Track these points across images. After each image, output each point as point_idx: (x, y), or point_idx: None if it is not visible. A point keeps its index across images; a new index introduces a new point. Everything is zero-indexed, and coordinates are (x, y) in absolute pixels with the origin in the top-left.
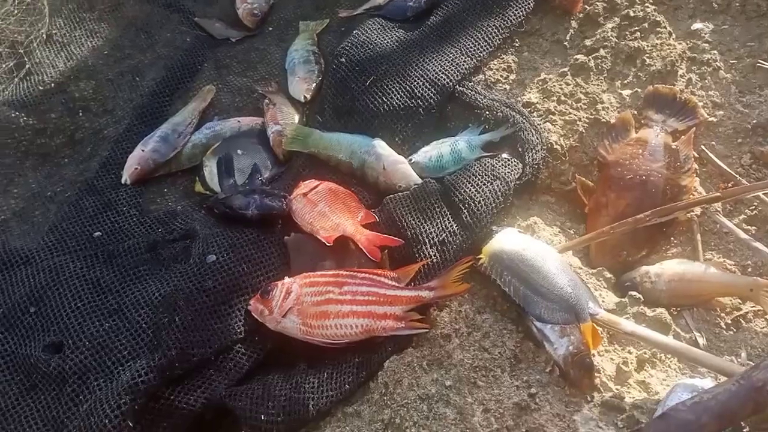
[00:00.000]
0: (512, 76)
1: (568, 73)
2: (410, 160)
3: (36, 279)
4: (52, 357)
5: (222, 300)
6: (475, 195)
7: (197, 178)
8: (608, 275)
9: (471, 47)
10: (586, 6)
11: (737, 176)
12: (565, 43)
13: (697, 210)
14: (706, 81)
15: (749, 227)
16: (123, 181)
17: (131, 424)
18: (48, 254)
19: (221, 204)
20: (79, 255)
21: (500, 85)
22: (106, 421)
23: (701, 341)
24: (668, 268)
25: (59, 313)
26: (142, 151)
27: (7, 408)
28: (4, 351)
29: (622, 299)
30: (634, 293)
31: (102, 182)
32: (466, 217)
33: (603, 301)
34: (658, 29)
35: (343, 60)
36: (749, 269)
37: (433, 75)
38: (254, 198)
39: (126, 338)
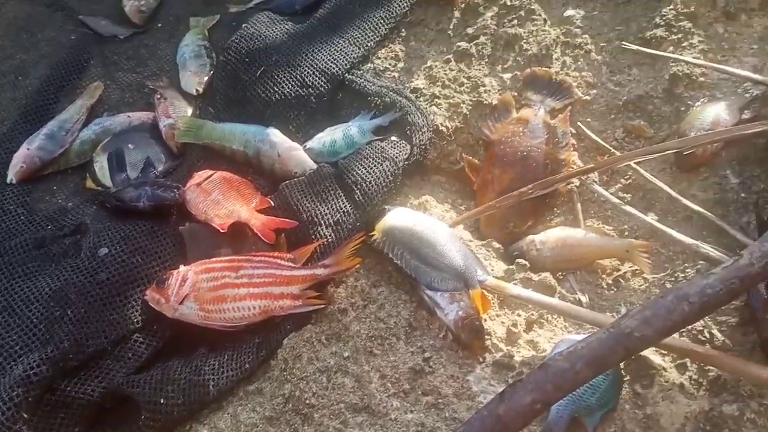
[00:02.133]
0: (400, 64)
1: (452, 59)
2: (305, 146)
3: None
4: None
5: (116, 291)
6: (366, 176)
7: (88, 174)
8: (497, 246)
9: (359, 37)
10: None
11: (611, 149)
12: (449, 32)
13: (576, 181)
14: (579, 63)
15: (625, 194)
16: (8, 181)
17: (26, 416)
18: None
19: (112, 197)
20: None
21: (389, 72)
22: (0, 414)
23: (584, 300)
24: (551, 235)
25: None
26: (28, 149)
27: None
28: None
29: (510, 266)
30: (520, 260)
31: None
32: (358, 197)
33: (492, 270)
34: (533, 17)
35: (233, 52)
36: (626, 233)
37: (322, 64)
38: (146, 190)
39: (17, 334)
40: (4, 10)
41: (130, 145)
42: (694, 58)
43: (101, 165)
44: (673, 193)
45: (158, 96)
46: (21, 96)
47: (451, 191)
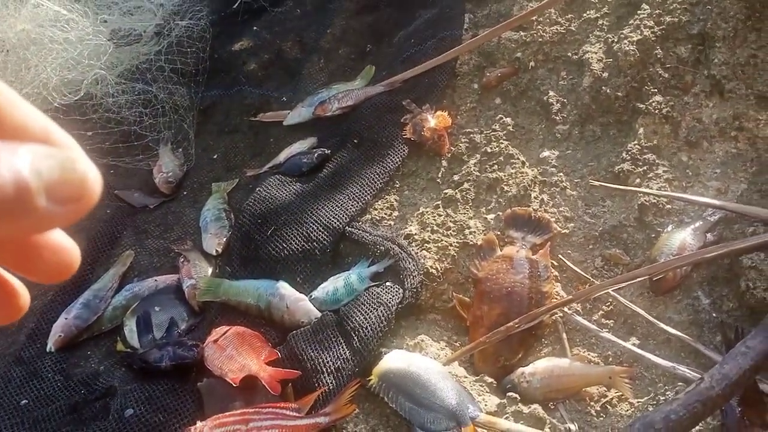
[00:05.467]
0: (395, 213)
1: (440, 205)
2: (310, 296)
3: None
4: None
5: None
6: (363, 322)
7: (119, 337)
8: (489, 380)
9: (357, 192)
10: (452, 147)
11: (590, 278)
12: (438, 180)
13: (560, 311)
14: (556, 199)
15: (607, 321)
16: (48, 350)
17: None
18: None
19: (138, 359)
20: (6, 423)
21: (385, 221)
22: None
23: (573, 429)
24: (539, 366)
25: None
26: (65, 318)
27: None
28: None
29: (502, 400)
30: (511, 394)
31: (28, 352)
32: (356, 344)
33: (485, 405)
34: (512, 160)
35: (247, 215)
36: (610, 359)
37: (325, 220)
38: (168, 350)
39: None
40: None
41: (156, 308)
42: (660, 187)
43: (131, 328)
44: (650, 318)
45: (182, 259)
46: None
47: (447, 329)
